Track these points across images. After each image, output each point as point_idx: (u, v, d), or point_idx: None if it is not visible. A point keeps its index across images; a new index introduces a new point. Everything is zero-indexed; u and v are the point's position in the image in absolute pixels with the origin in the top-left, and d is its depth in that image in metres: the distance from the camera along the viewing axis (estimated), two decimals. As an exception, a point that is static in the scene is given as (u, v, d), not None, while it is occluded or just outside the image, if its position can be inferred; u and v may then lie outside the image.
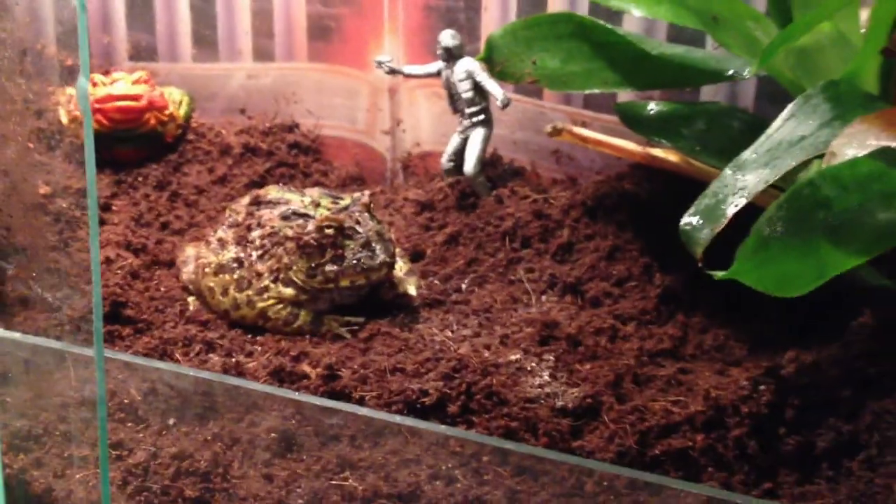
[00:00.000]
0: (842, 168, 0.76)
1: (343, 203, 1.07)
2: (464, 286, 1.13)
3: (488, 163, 1.27)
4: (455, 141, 1.24)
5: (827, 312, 1.00)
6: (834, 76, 0.93)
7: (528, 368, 0.97)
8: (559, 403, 0.92)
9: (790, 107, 0.89)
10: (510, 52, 1.15)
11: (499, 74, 1.17)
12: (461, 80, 1.20)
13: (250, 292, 1.05)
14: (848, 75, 0.91)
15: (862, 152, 0.79)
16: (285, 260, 1.04)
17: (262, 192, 1.13)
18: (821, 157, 0.84)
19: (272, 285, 1.04)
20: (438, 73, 1.23)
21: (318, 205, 1.08)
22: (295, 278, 1.04)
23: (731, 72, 1.05)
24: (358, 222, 1.04)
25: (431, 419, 0.91)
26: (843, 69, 0.93)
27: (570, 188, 1.24)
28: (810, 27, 0.87)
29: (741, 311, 1.04)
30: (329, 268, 1.03)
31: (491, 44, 1.15)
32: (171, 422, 0.84)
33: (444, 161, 1.26)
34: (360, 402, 0.92)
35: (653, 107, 1.12)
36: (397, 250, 1.13)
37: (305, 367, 0.97)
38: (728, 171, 0.87)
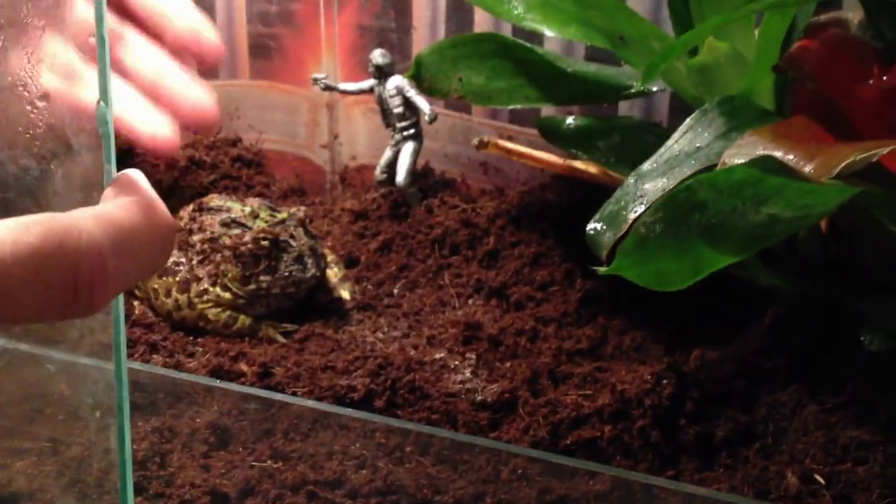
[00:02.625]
0: (718, 174, 0.83)
1: (280, 216, 1.13)
2: (395, 291, 1.18)
3: (420, 174, 1.33)
4: (388, 154, 1.30)
5: (742, 313, 1.07)
6: (732, 92, 0.99)
7: (451, 366, 1.03)
8: (479, 398, 0.99)
9: (688, 121, 0.95)
10: (437, 69, 1.20)
11: (427, 90, 1.22)
12: (392, 97, 1.26)
13: (191, 294, 1.10)
14: (743, 91, 0.98)
15: (751, 161, 0.86)
16: (222, 267, 1.10)
17: (205, 199, 1.18)
18: (715, 166, 0.90)
19: (211, 288, 1.10)
20: (371, 90, 1.29)
21: (256, 216, 1.13)
22: (230, 285, 1.09)
23: (636, 88, 1.11)
24: (292, 236, 1.09)
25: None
26: (740, 85, 1.00)
27: (497, 198, 1.30)
28: (687, 48, 0.94)
29: (660, 315, 1.09)
30: (262, 277, 1.08)
31: (419, 62, 1.21)
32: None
33: (378, 173, 1.31)
34: (292, 397, 0.98)
35: (571, 121, 1.18)
36: (333, 257, 1.19)
37: (242, 366, 1.02)
38: (630, 180, 0.94)
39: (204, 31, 1.08)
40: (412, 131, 1.28)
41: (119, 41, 1.06)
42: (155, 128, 1.07)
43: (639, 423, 0.93)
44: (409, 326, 1.12)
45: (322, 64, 1.39)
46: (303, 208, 1.15)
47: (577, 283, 1.15)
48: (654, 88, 1.15)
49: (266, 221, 1.12)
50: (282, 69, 1.42)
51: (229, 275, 1.09)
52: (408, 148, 1.28)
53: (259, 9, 1.39)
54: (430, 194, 1.31)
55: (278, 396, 0.91)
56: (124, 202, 0.59)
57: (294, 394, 0.98)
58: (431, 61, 1.21)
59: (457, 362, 1.03)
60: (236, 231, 1.11)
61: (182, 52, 1.09)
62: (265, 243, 1.08)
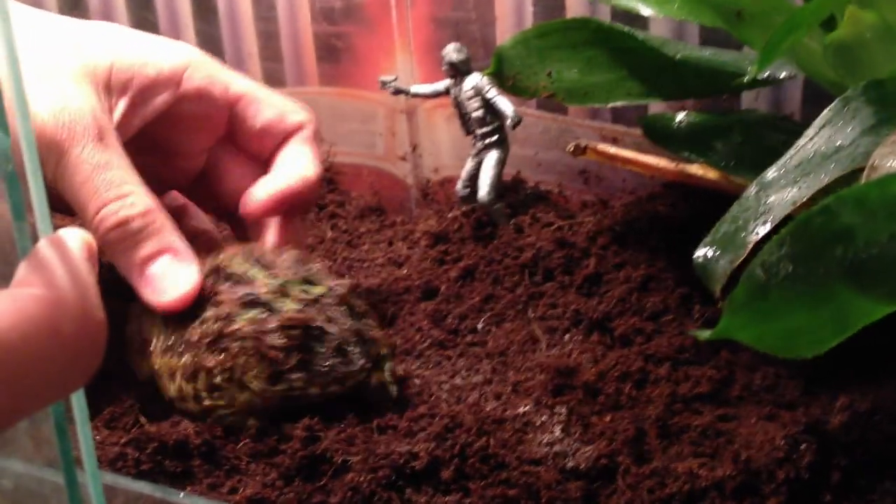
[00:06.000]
0: (868, 188, 0.64)
1: (315, 291, 0.88)
2: (479, 326, 1.01)
3: (509, 187, 1.16)
4: (469, 165, 1.14)
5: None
6: (882, 75, 0.80)
7: (537, 423, 0.85)
8: (569, 464, 0.80)
9: (825, 112, 0.77)
10: (522, 64, 1.04)
11: (511, 89, 1.06)
12: (469, 99, 1.10)
13: (197, 385, 0.86)
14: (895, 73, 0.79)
15: (910, 164, 0.67)
16: (240, 361, 0.85)
17: (224, 259, 0.90)
18: (862, 170, 0.71)
19: (225, 385, 0.85)
20: (447, 92, 1.12)
21: (285, 293, 0.87)
22: (250, 384, 0.85)
23: (765, 74, 0.93)
24: (330, 320, 0.86)
25: (423, 486, 0.80)
26: (891, 66, 0.80)
27: (599, 212, 1.13)
28: (818, 20, 0.75)
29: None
30: (295, 375, 0.85)
31: (500, 56, 1.05)
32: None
33: (460, 188, 1.15)
34: (343, 466, 0.81)
35: (682, 118, 1.01)
36: (386, 350, 0.92)
37: (288, 429, 0.85)
38: (752, 191, 0.76)
39: None
40: (495, 138, 1.11)
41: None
42: None
43: (770, 502, 0.74)
44: (493, 369, 0.95)
45: (396, 64, 1.23)
46: (347, 281, 0.91)
47: (695, 310, 0.98)
48: (783, 74, 0.96)
49: (297, 300, 0.87)
50: (353, 72, 1.27)
51: (251, 372, 0.84)
52: (491, 158, 1.11)
53: (323, 5, 1.24)
54: (520, 210, 1.13)
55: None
56: (23, 308, 0.44)
57: (345, 462, 0.81)
58: (515, 55, 1.05)
59: (544, 418, 0.86)
60: (258, 314, 0.85)
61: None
62: (295, 332, 0.84)
